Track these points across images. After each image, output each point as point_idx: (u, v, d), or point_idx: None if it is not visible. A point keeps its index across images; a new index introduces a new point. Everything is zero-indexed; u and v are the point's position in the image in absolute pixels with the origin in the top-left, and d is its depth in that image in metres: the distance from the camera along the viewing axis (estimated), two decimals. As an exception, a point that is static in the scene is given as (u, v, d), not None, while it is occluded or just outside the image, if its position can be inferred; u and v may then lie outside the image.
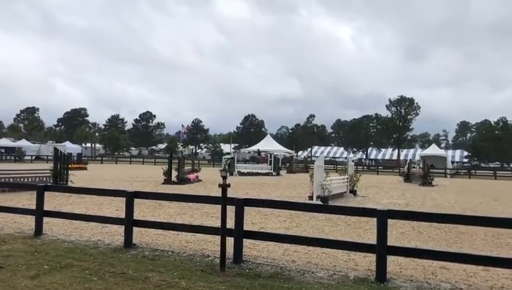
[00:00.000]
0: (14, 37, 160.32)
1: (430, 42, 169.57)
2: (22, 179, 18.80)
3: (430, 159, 46.84)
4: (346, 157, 50.32)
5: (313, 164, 22.79)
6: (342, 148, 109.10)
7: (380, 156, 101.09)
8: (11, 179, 18.26)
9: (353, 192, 20.49)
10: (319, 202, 15.78)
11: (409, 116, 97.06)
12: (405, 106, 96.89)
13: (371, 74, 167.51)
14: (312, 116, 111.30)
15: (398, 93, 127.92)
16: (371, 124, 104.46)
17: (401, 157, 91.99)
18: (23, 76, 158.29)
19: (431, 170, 33.76)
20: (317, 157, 28.39)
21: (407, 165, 39.06)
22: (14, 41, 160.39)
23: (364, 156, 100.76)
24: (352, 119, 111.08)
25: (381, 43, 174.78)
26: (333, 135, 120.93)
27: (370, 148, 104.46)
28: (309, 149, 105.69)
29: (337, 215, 11.45)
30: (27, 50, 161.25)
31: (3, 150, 65.48)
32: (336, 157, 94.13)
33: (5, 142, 73.42)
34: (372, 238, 8.42)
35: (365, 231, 10.64)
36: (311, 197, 17.11)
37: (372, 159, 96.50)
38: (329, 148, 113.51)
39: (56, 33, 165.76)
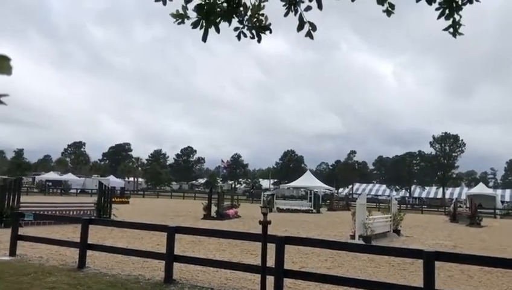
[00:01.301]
0: (63, 74, 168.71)
1: (476, 77, 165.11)
2: (67, 212, 19.36)
3: (478, 198, 44.98)
4: (388, 195, 49.11)
5: (355, 201, 22.33)
6: (384, 186, 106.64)
7: (424, 195, 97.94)
8: (57, 212, 18.82)
9: (397, 231, 19.84)
10: (362, 242, 15.35)
11: (453, 154, 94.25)
12: (449, 143, 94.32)
13: (413, 109, 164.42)
14: (353, 152, 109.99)
15: (442, 129, 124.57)
16: (414, 161, 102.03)
17: (447, 196, 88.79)
18: (72, 112, 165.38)
19: (479, 210, 32.38)
20: (359, 194, 27.83)
21: (453, 205, 37.65)
22: (64, 79, 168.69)
23: (407, 194, 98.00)
24: (394, 155, 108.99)
25: (424, 78, 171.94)
26: (375, 172, 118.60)
27: (413, 186, 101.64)
28: (350, 186, 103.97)
29: (381, 255, 11.07)
30: (76, 87, 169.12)
31: (50, 183, 67.92)
32: (378, 195, 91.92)
33: (53, 175, 76.32)
34: (418, 281, 8.05)
35: (410, 273, 10.22)
36: (353, 237, 16.68)
37: (415, 198, 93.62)
38: (371, 185, 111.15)
39: (103, 71, 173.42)
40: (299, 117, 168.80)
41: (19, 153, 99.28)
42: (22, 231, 11.37)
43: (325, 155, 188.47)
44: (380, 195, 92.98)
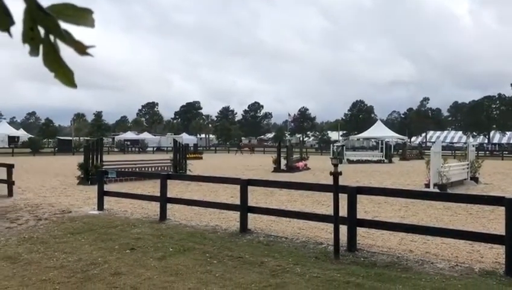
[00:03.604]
0: (132, 37, 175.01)
1: None
2: (146, 169, 20.45)
3: None
4: (465, 142, 46.77)
5: (428, 150, 21.58)
6: (460, 133, 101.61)
7: (504, 140, 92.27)
8: (137, 169, 19.96)
9: (474, 179, 19.04)
10: (437, 190, 14.95)
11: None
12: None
13: (492, 50, 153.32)
14: (426, 99, 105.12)
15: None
16: (493, 105, 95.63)
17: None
18: (144, 73, 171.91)
19: None
20: (433, 142, 26.83)
21: (538, 150, 35.23)
22: (133, 41, 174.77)
23: (486, 141, 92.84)
24: (471, 100, 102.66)
25: (503, 15, 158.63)
26: (450, 119, 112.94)
27: (492, 132, 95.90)
28: (423, 134, 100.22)
29: (457, 203, 10.74)
30: (145, 49, 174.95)
31: (128, 143, 71.66)
32: (453, 143, 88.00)
33: (130, 135, 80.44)
34: (498, 229, 7.79)
35: (490, 221, 9.86)
36: (427, 185, 16.26)
37: (495, 144, 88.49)
38: (445, 132, 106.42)
39: (170, 32, 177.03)
40: (368, 65, 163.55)
41: (98, 115, 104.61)
42: (106, 187, 12.24)
43: (397, 104, 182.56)
44: (456, 142, 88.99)
